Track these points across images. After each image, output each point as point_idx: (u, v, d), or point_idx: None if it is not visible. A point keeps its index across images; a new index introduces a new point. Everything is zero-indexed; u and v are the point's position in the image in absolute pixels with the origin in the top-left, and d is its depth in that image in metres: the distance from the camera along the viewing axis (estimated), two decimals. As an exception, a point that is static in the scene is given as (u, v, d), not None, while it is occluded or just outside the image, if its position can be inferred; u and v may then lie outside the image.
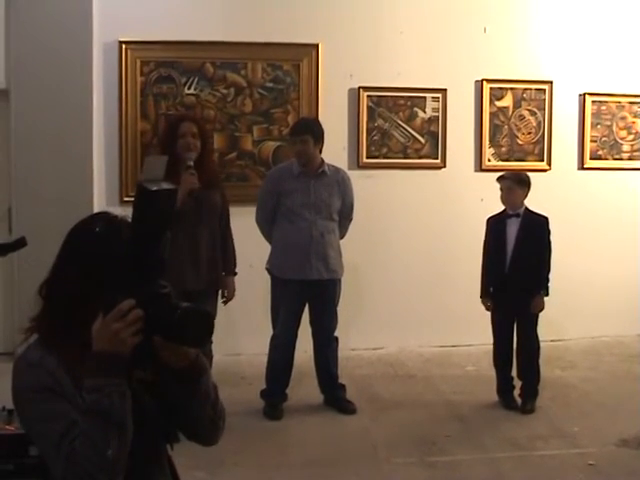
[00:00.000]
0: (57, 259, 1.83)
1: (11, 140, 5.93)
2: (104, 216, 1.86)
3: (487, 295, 5.23)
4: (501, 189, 5.19)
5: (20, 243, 2.93)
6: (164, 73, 6.17)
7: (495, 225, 5.24)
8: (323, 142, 5.01)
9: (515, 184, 5.15)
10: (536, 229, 5.18)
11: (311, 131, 4.94)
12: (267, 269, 5.08)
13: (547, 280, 5.15)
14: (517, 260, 5.11)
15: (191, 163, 4.45)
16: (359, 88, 6.42)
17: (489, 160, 6.65)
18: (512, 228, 5.15)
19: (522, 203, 5.18)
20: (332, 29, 6.36)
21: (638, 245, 6.83)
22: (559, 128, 6.79)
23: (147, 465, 1.79)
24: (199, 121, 4.86)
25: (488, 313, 5.27)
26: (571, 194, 6.81)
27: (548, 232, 5.18)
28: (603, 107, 6.88)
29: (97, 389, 1.61)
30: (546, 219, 5.21)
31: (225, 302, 4.81)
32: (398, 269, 6.54)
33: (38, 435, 1.69)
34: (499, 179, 5.23)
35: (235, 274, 4.85)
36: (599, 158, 6.90)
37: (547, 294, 5.16)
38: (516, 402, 5.16)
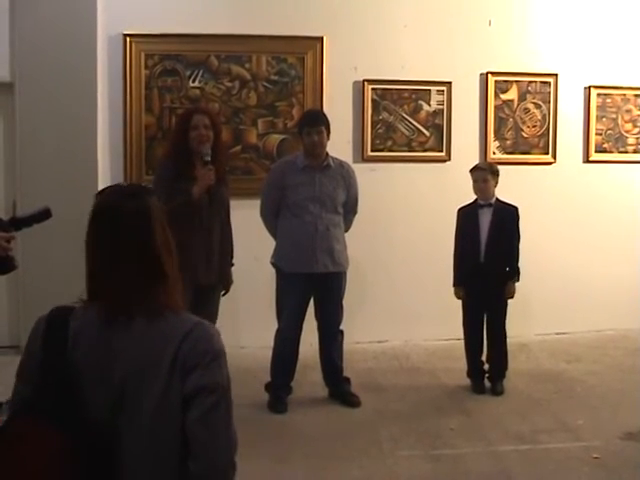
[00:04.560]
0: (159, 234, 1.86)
1: (16, 133, 5.94)
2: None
3: (460, 284, 5.35)
4: (475, 180, 5.32)
5: (45, 214, 2.77)
6: (168, 66, 6.17)
7: (468, 215, 5.38)
8: None
9: (490, 174, 5.29)
10: (507, 218, 5.32)
11: (325, 122, 4.95)
12: (272, 263, 5.07)
13: (518, 267, 5.32)
14: (491, 249, 5.27)
15: (209, 159, 4.42)
16: (364, 81, 6.41)
17: (494, 153, 6.64)
18: (485, 218, 5.30)
19: (494, 193, 5.33)
20: (337, 22, 6.35)
21: (643, 238, 6.83)
22: (564, 121, 6.78)
23: None
24: (211, 113, 4.81)
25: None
26: (576, 187, 6.81)
27: (518, 220, 5.34)
28: (608, 100, 6.86)
29: None
30: (516, 209, 5.36)
31: (224, 294, 4.81)
32: (402, 262, 6.54)
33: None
34: (473, 170, 5.36)
35: (232, 265, 4.84)
36: (604, 151, 6.89)
37: (518, 280, 5.32)
38: (485, 386, 5.35)
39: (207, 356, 1.78)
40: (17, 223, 2.70)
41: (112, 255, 1.82)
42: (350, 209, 5.12)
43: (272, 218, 5.05)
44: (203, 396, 1.76)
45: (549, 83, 6.72)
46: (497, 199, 5.33)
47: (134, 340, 1.79)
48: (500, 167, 5.45)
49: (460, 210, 5.43)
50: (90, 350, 1.80)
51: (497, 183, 5.32)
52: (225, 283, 4.75)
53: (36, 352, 1.82)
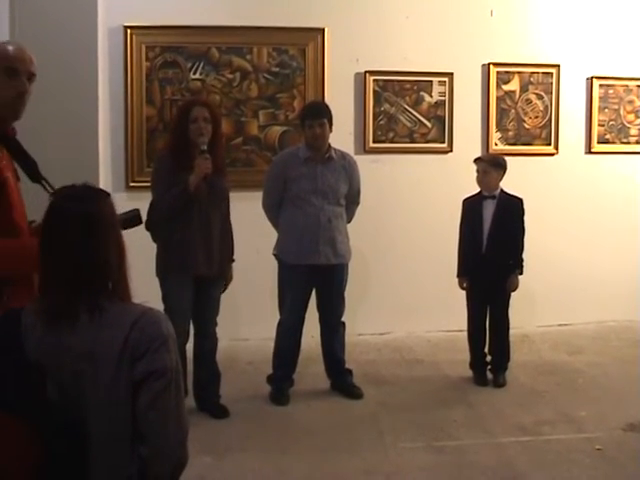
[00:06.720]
0: None
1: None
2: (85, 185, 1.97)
3: (463, 275, 5.36)
4: (477, 171, 5.32)
5: (136, 219, 2.78)
6: (169, 58, 6.15)
7: (471, 206, 5.38)
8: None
9: (490, 166, 5.28)
10: (511, 211, 5.30)
11: (327, 114, 4.93)
12: (275, 254, 5.07)
13: (522, 260, 5.30)
14: (493, 241, 5.25)
15: (205, 147, 4.40)
16: (365, 72, 6.39)
17: (496, 144, 6.62)
18: (488, 209, 5.29)
19: (497, 185, 5.31)
20: (338, 13, 6.33)
21: (646, 229, 6.82)
22: (566, 112, 6.76)
23: None
24: (211, 105, 4.77)
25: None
26: (578, 178, 6.79)
27: (522, 213, 5.32)
28: (610, 91, 6.84)
29: None
30: (521, 201, 5.33)
31: (224, 290, 4.80)
32: (405, 254, 6.53)
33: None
34: (475, 161, 5.36)
35: (233, 261, 4.82)
36: (606, 142, 6.86)
37: (521, 273, 5.31)
38: (487, 378, 5.36)
39: (156, 341, 1.83)
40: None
41: (53, 256, 1.86)
42: (352, 200, 5.11)
43: (274, 210, 5.04)
44: (152, 380, 1.81)
45: (551, 74, 6.70)
46: (502, 191, 5.30)
47: (80, 335, 1.82)
48: (502, 158, 5.45)
49: (465, 201, 5.43)
50: (41, 343, 1.83)
51: (502, 176, 5.28)
52: (225, 279, 4.74)
53: None
